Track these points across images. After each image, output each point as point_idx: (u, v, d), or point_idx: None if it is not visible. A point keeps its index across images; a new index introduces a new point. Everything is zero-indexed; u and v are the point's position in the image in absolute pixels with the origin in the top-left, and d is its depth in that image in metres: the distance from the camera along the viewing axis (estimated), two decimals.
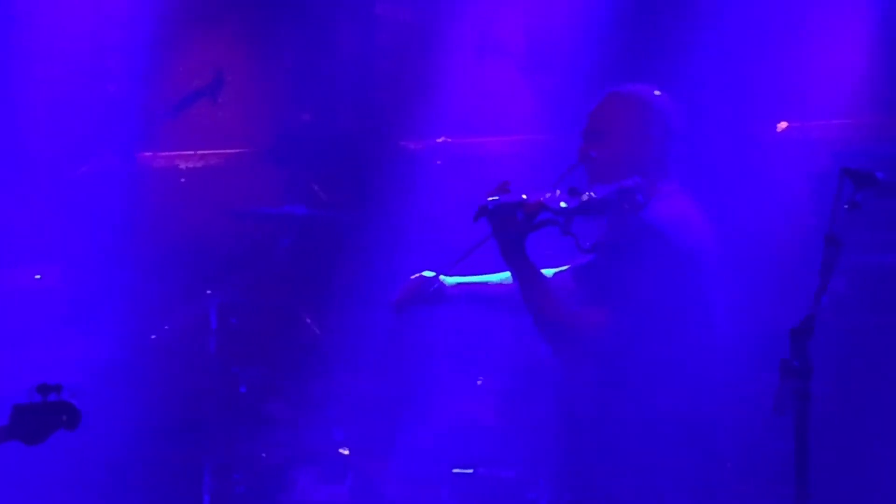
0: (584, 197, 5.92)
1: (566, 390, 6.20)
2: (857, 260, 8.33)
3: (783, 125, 9.00)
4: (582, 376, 6.12)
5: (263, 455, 9.15)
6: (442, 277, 6.48)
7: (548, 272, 6.30)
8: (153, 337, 9.41)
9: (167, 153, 10.11)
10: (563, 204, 5.95)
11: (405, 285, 6.48)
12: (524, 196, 6.00)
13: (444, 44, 9.56)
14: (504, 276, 6.43)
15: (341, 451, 8.92)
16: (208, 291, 9.07)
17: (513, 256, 6.03)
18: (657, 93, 6.36)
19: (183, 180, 10.04)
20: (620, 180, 5.96)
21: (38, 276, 9.52)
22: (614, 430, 6.03)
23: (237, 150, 10.16)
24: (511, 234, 6.01)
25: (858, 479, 8.15)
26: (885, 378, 8.32)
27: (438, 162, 9.37)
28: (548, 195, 5.99)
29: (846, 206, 5.20)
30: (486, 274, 6.58)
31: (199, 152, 10.06)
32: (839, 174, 5.27)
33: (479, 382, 8.59)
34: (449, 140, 9.41)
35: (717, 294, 6.16)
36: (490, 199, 6.04)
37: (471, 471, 8.43)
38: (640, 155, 6.22)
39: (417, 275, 6.49)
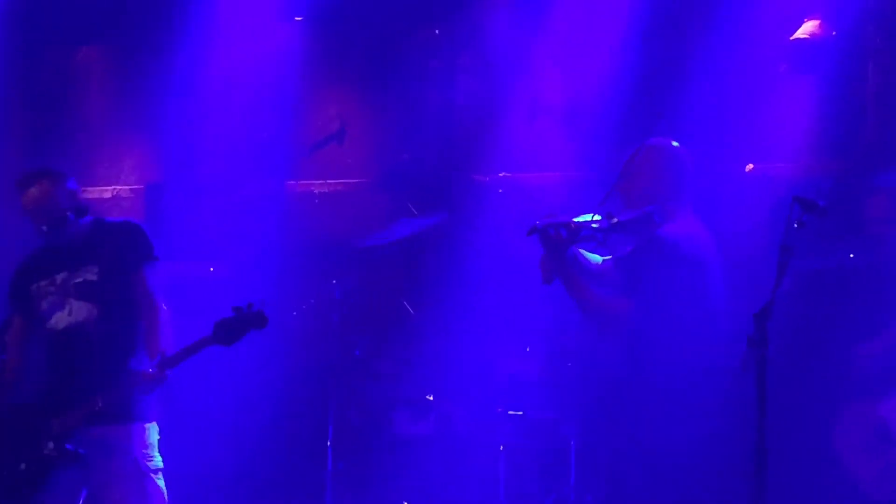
0: (614, 220, 5.86)
1: (603, 356, 6.12)
2: (802, 265, 7.49)
3: (750, 167, 8.86)
4: (614, 346, 6.01)
5: (371, 399, 9.16)
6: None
7: (596, 258, 6.25)
8: (294, 313, 9.30)
9: (305, 181, 10.09)
10: (594, 225, 5.87)
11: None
12: (572, 219, 5.90)
13: (504, 101, 9.40)
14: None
15: (427, 397, 8.86)
16: (333, 281, 8.95)
17: (558, 262, 5.94)
18: (675, 144, 6.28)
19: (316, 201, 9.99)
20: (644, 207, 5.96)
21: (211, 269, 9.46)
22: (638, 387, 5.94)
23: (355, 180, 10.04)
24: (556, 245, 5.92)
25: (803, 418, 8.04)
26: (819, 349, 8.23)
27: (500, 190, 9.27)
28: (587, 218, 5.89)
29: (796, 225, 5.25)
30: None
31: (328, 181, 10.03)
32: (791, 201, 5.30)
33: (527, 349, 8.49)
34: (508, 175, 9.33)
35: (719, 289, 6.07)
36: (542, 220, 5.93)
37: (521, 413, 8.35)
38: (660, 189, 6.14)
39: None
